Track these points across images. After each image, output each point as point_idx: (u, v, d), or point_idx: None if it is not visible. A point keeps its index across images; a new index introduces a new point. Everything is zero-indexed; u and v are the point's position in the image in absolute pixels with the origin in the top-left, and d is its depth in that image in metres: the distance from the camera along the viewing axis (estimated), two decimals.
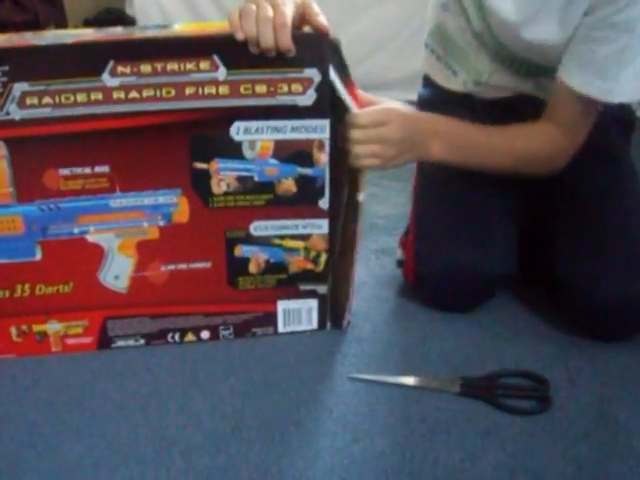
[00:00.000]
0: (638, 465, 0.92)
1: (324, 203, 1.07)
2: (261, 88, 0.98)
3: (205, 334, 1.13)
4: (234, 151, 1.01)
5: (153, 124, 0.98)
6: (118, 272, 1.06)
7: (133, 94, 0.95)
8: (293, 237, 1.09)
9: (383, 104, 1.06)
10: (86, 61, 0.93)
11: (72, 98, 0.94)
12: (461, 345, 1.16)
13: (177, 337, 1.13)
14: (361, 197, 1.05)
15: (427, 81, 1.39)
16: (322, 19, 0.95)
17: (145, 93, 0.96)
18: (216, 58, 0.95)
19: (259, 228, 1.07)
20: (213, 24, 1.04)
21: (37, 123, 0.95)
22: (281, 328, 1.15)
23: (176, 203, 1.03)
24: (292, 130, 1.01)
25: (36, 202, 1.00)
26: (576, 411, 1.01)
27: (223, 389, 1.04)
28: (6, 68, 0.92)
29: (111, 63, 0.93)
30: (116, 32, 1.01)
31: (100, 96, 0.95)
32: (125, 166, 1.00)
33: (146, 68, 0.94)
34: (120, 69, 0.93)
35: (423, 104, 1.35)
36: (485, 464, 0.92)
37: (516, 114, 1.17)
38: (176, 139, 1.00)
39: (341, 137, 1.03)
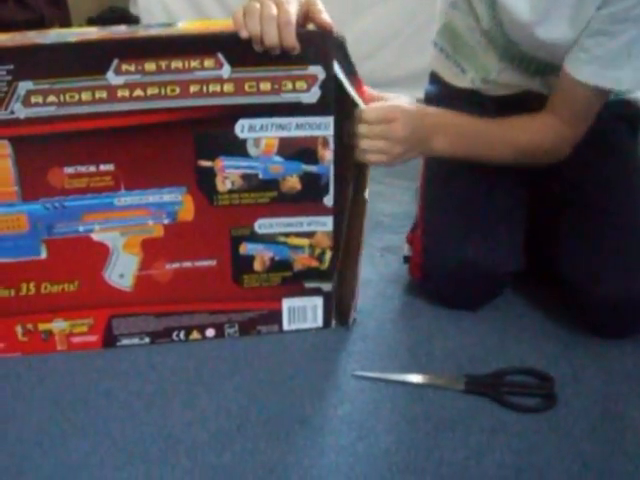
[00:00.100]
0: None
1: (329, 200, 1.07)
2: (265, 85, 0.98)
3: (210, 332, 1.13)
4: (239, 149, 1.01)
5: (158, 122, 0.98)
6: (123, 270, 1.06)
7: (138, 92, 0.95)
8: (298, 234, 1.09)
9: (390, 101, 1.06)
10: (91, 59, 0.93)
11: (77, 96, 0.94)
12: (466, 343, 1.16)
13: (182, 335, 1.13)
14: (366, 194, 1.05)
15: (434, 78, 1.39)
16: (326, 17, 0.95)
17: (150, 91, 0.96)
18: (220, 56, 0.95)
19: (264, 226, 1.07)
20: (217, 22, 1.04)
21: (42, 122, 0.95)
22: (286, 326, 1.15)
23: (181, 201, 1.03)
24: (296, 127, 1.01)
25: (41, 201, 1.00)
26: (581, 408, 1.01)
27: (228, 387, 1.04)
28: (11, 67, 0.92)
29: (115, 61, 0.93)
30: (120, 30, 1.01)
31: (105, 94, 0.95)
32: (130, 164, 1.00)
33: (150, 66, 0.94)
34: (125, 67, 0.94)
35: (430, 101, 1.35)
36: (490, 461, 0.92)
37: (523, 111, 1.17)
38: (181, 137, 1.00)
39: (348, 132, 1.03)
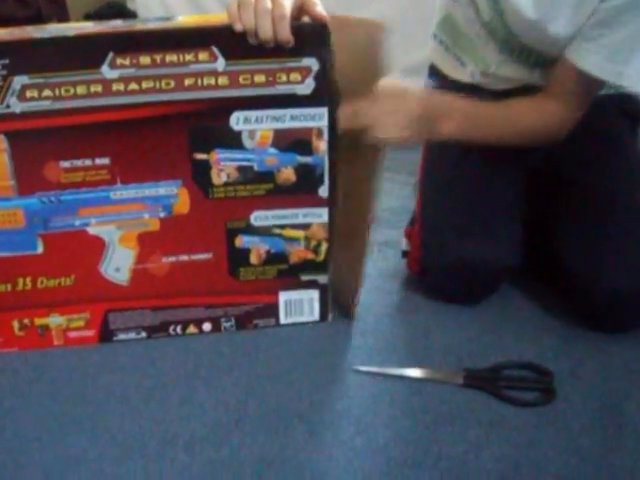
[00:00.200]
0: None
1: (324, 191, 1.07)
2: (260, 78, 0.98)
3: (207, 326, 1.13)
4: (234, 141, 1.01)
5: (153, 116, 0.98)
6: (119, 264, 1.06)
7: (132, 86, 0.95)
8: (293, 227, 1.09)
9: (398, 83, 1.05)
10: (85, 53, 0.93)
11: (72, 90, 0.94)
12: (465, 337, 1.16)
13: (179, 329, 1.13)
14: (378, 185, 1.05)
15: (433, 71, 1.39)
16: (320, 9, 0.95)
17: (144, 85, 0.96)
18: (215, 49, 0.95)
19: (259, 218, 1.07)
20: (216, 16, 1.03)
21: (37, 116, 0.95)
22: (283, 319, 1.15)
23: (176, 194, 1.03)
24: (291, 119, 1.01)
25: (37, 195, 1.00)
26: (580, 403, 1.01)
27: (227, 381, 1.05)
28: (6, 61, 0.92)
29: (110, 55, 0.93)
30: (116, 25, 1.01)
31: (100, 88, 0.95)
32: (125, 158, 1.00)
33: (145, 60, 0.94)
34: (119, 61, 0.94)
35: None
36: (488, 455, 0.92)
37: None
38: (176, 130, 1.00)
39: (357, 113, 1.01)
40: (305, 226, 1.09)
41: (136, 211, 1.04)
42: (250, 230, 1.08)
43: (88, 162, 0.99)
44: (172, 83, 0.96)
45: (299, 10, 0.95)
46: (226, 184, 1.04)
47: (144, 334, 1.12)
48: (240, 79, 0.97)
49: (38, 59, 0.92)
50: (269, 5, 0.91)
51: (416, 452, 0.92)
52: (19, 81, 0.93)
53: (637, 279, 1.11)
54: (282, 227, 1.08)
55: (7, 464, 0.90)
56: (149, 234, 1.05)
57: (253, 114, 1.00)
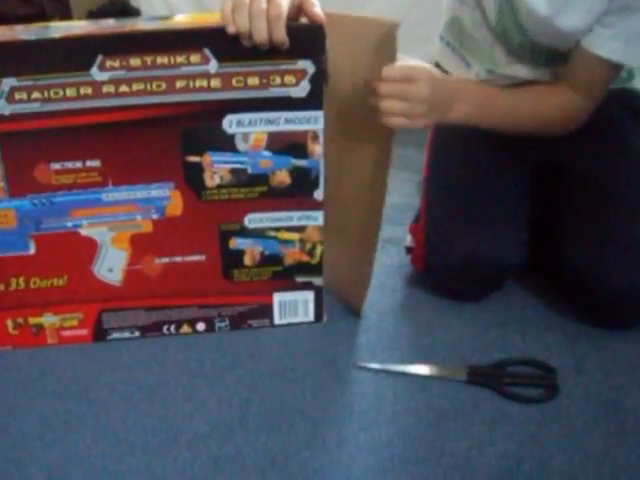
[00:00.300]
0: None
1: (319, 194, 1.06)
2: (253, 80, 0.97)
3: (201, 326, 1.13)
4: (227, 144, 1.01)
5: (144, 118, 0.98)
6: (112, 265, 1.07)
7: (123, 88, 0.95)
8: (288, 229, 1.08)
9: (411, 62, 1.03)
10: (74, 55, 0.93)
11: (61, 93, 0.94)
12: (468, 334, 1.16)
13: (173, 329, 1.13)
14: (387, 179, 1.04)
15: (437, 69, 1.38)
16: (318, 10, 0.94)
17: (135, 87, 0.95)
18: (207, 51, 0.94)
19: (254, 220, 1.07)
20: (215, 15, 1.02)
21: (27, 118, 0.95)
22: (277, 320, 1.15)
23: (169, 196, 1.03)
24: (286, 122, 1.01)
25: (28, 197, 1.00)
26: (583, 399, 1.01)
27: (230, 379, 1.05)
28: None
29: (100, 57, 0.93)
30: (108, 25, 1.01)
31: (90, 90, 0.95)
32: (117, 160, 1.00)
33: (135, 62, 0.94)
34: (109, 63, 0.93)
35: None
36: (492, 452, 0.92)
37: None
38: (168, 132, 0.99)
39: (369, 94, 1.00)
40: (300, 229, 1.09)
41: (128, 213, 1.04)
42: (244, 232, 1.07)
43: (79, 164, 0.99)
44: (163, 85, 0.96)
45: (297, 10, 0.94)
46: (219, 187, 1.04)
47: (138, 333, 1.12)
48: (233, 81, 0.97)
49: (26, 61, 0.92)
50: (264, 5, 0.89)
51: (420, 449, 0.93)
52: (7, 83, 0.93)
53: None
54: (277, 230, 1.08)
55: (10, 462, 0.91)
56: (142, 236, 1.05)
57: (246, 117, 1.00)
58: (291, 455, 0.92)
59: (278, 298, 1.14)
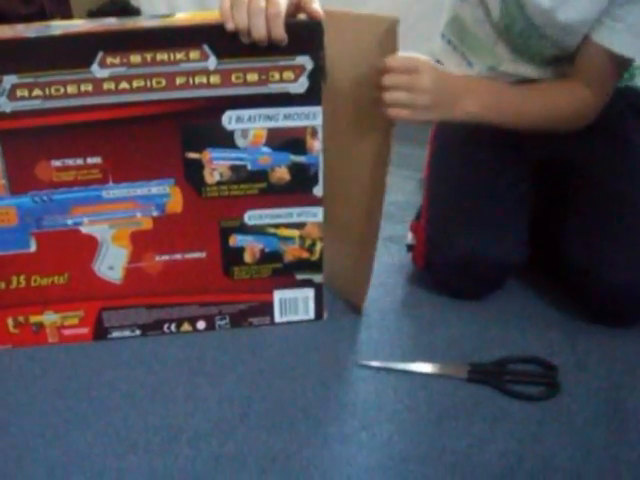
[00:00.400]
0: None
1: (318, 191, 1.06)
2: (252, 76, 0.98)
3: (201, 324, 1.13)
4: (226, 140, 1.01)
5: (144, 115, 0.98)
6: (112, 263, 1.07)
7: (123, 85, 0.95)
8: (288, 226, 1.08)
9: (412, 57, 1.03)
10: (75, 53, 0.93)
11: (62, 90, 0.94)
12: (469, 331, 1.16)
13: (173, 327, 1.13)
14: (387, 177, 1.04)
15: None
16: (316, 6, 0.94)
17: (135, 84, 0.96)
18: (206, 47, 0.95)
19: (253, 217, 1.07)
20: (215, 13, 1.03)
21: (28, 115, 0.95)
22: (278, 318, 1.15)
23: (169, 193, 1.03)
24: (285, 118, 1.01)
25: (29, 194, 1.00)
26: (584, 397, 1.01)
27: (231, 377, 1.05)
28: None
29: (100, 54, 0.93)
30: (108, 23, 1.01)
31: (90, 87, 0.95)
32: (117, 157, 1.00)
33: (136, 59, 0.94)
34: (109, 60, 0.93)
35: None
36: (493, 450, 0.92)
37: None
38: (168, 129, 1.00)
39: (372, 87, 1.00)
40: (300, 225, 1.09)
41: (128, 210, 1.04)
42: (244, 229, 1.07)
43: (80, 161, 0.99)
44: (163, 82, 0.96)
45: (295, 7, 0.95)
46: (219, 183, 1.04)
47: (138, 332, 1.12)
48: (232, 78, 0.97)
49: (27, 58, 0.92)
50: (263, 3, 0.90)
51: (420, 447, 0.93)
52: (9, 80, 0.93)
53: None
54: (276, 226, 1.08)
55: (12, 460, 0.91)
56: (142, 233, 1.05)
57: (246, 113, 1.00)
58: (292, 453, 0.91)
59: (278, 296, 1.14)
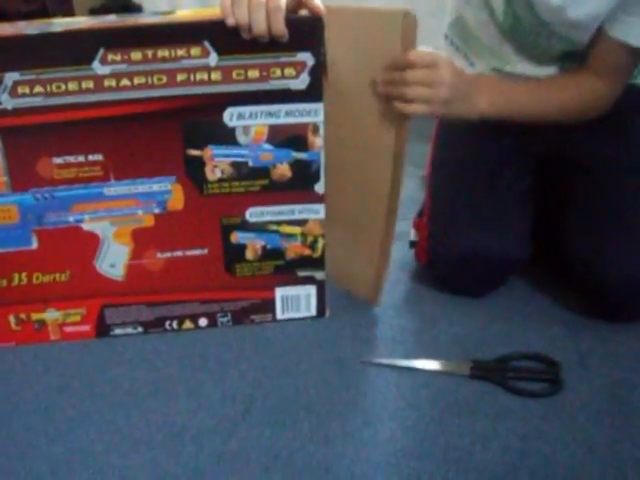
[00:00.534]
0: None
1: (320, 187, 1.06)
2: (254, 73, 0.97)
3: (203, 321, 1.13)
4: (228, 137, 1.01)
5: (145, 111, 0.98)
6: (114, 260, 1.07)
7: (124, 82, 0.95)
8: (289, 223, 1.08)
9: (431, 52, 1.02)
10: (76, 49, 0.93)
11: (63, 87, 0.94)
12: (472, 328, 1.16)
13: (175, 325, 1.13)
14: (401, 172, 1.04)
15: None
16: (317, 2, 0.94)
17: (136, 80, 0.95)
18: (207, 44, 0.94)
19: (255, 214, 1.07)
20: (216, 10, 1.03)
21: (30, 112, 0.95)
22: (279, 315, 1.15)
23: (170, 190, 1.03)
24: (286, 114, 1.01)
25: (30, 191, 1.00)
26: (587, 393, 1.01)
27: (233, 374, 1.05)
28: None
29: (101, 51, 0.93)
30: (109, 20, 1.01)
31: (91, 84, 0.95)
32: (118, 154, 1.00)
33: (136, 55, 0.94)
34: (110, 57, 0.93)
35: None
36: (495, 447, 0.92)
37: None
38: (169, 126, 0.99)
39: (387, 82, 0.99)
40: (301, 222, 1.08)
41: (130, 207, 1.04)
42: (245, 226, 1.07)
43: (81, 158, 0.99)
44: (164, 79, 0.96)
45: (297, 3, 0.94)
46: (220, 180, 1.04)
47: (140, 329, 1.12)
48: (233, 74, 0.97)
49: (29, 55, 0.92)
50: None
51: (423, 443, 0.93)
52: (10, 77, 0.93)
53: None
54: (278, 223, 1.08)
55: (15, 456, 0.91)
56: (143, 230, 1.05)
57: (247, 110, 1.00)
58: (295, 450, 0.91)
59: (280, 293, 1.13)
